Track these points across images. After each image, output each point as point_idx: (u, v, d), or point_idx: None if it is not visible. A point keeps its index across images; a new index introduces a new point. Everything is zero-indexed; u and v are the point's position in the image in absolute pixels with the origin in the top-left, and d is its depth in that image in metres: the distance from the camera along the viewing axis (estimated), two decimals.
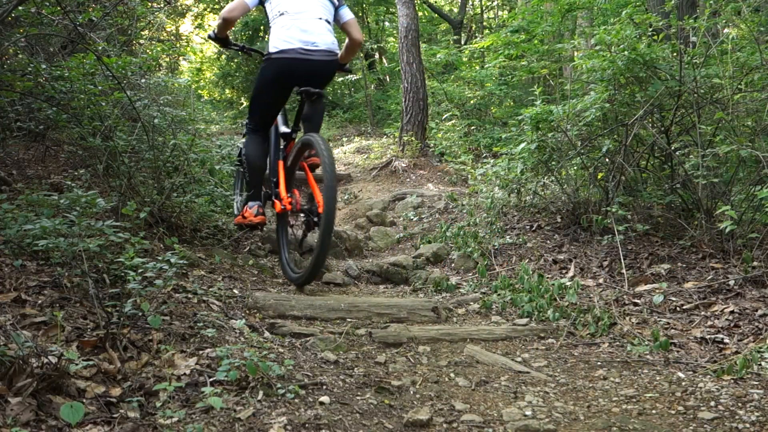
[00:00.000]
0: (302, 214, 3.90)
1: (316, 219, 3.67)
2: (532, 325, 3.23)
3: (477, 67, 11.05)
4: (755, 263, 3.29)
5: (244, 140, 4.01)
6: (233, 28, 3.69)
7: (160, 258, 2.67)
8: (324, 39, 3.56)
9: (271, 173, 3.96)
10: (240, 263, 3.87)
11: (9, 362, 1.81)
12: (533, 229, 4.53)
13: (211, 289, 3.12)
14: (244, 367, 2.18)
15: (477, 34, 15.30)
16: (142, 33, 6.73)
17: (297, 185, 4.11)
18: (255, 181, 3.82)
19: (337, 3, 3.75)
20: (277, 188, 3.84)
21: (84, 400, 1.86)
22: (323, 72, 3.61)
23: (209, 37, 3.83)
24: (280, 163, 3.89)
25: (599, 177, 4.32)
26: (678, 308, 3.19)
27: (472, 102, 9.61)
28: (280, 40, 3.52)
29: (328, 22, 3.66)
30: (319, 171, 3.49)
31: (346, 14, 3.77)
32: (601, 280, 3.64)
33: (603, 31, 4.11)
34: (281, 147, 4.00)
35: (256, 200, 3.80)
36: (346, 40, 3.82)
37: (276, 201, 3.83)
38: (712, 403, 2.22)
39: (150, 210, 3.41)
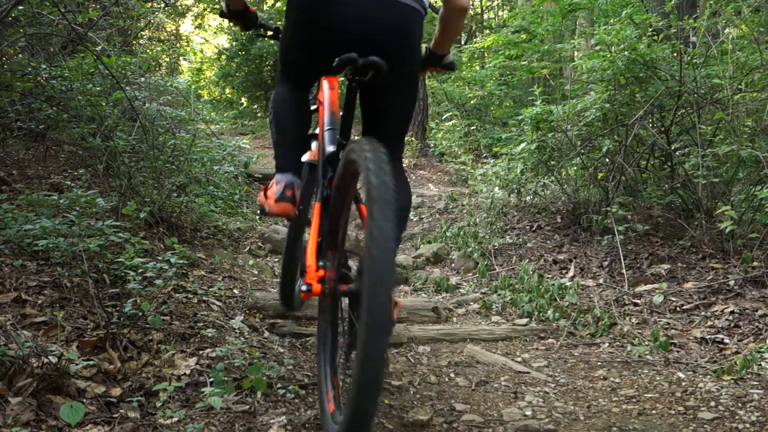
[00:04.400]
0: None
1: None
2: (532, 325, 3.23)
3: (477, 67, 11.04)
4: (755, 263, 3.29)
5: None
6: None
7: (160, 258, 2.67)
8: None
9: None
10: (240, 263, 3.87)
11: (9, 362, 1.81)
12: (533, 229, 4.53)
13: (211, 289, 3.12)
14: (244, 367, 2.18)
15: (477, 34, 15.28)
16: (142, 33, 6.73)
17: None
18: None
19: None
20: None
21: (84, 400, 1.86)
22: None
23: (221, 14, 2.31)
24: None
25: (599, 177, 4.32)
26: (678, 308, 3.19)
27: (472, 102, 9.60)
28: None
29: None
30: None
31: None
32: (601, 280, 3.64)
33: (603, 31, 4.11)
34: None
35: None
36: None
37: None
38: (712, 404, 2.22)
39: (150, 210, 3.41)
